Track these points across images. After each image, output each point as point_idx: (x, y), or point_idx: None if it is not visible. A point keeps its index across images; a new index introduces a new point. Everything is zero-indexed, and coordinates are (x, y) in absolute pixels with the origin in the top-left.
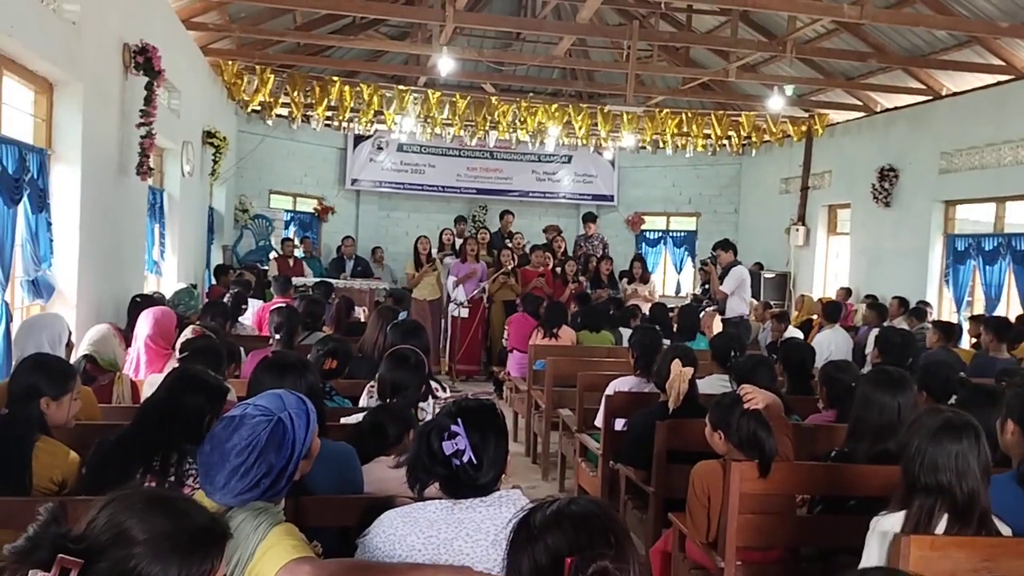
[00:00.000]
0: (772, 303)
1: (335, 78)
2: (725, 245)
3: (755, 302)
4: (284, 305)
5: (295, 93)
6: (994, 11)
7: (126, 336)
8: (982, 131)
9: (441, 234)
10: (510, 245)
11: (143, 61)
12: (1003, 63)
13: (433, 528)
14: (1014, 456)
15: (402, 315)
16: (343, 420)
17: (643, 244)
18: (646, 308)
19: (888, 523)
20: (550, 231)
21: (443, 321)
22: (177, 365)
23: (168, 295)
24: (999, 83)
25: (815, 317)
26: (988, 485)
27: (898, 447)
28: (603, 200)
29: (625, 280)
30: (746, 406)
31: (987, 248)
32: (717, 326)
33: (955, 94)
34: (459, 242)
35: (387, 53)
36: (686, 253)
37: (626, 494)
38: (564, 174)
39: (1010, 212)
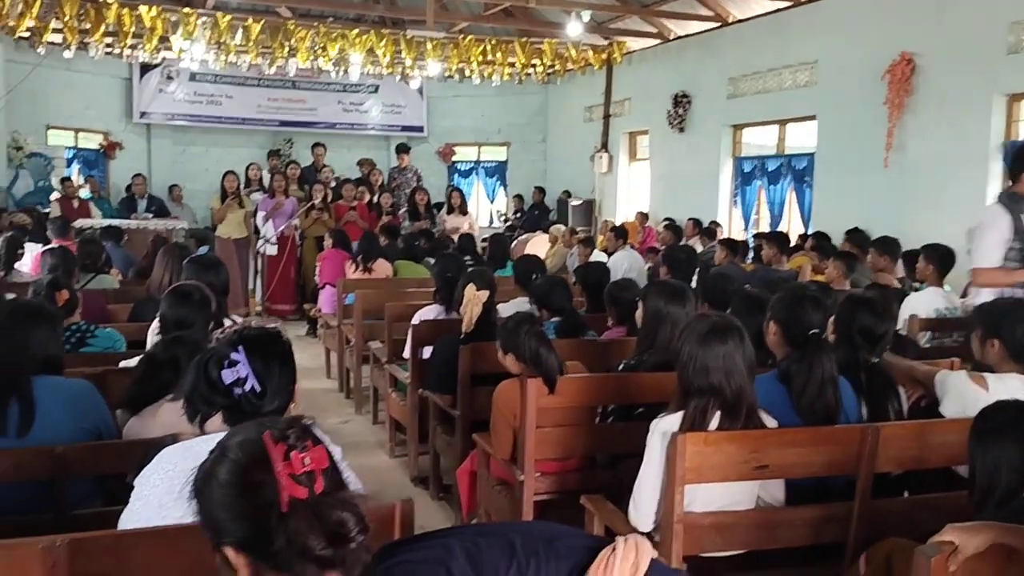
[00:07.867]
0: (579, 229)
1: (111, 1)
2: None
3: (563, 228)
4: (58, 246)
5: (67, 17)
6: None
7: None
8: (764, 57)
9: (247, 169)
10: (321, 179)
11: None
12: None
13: None
14: (778, 355)
15: (202, 250)
16: (122, 364)
17: (455, 175)
18: None
19: (666, 424)
20: (365, 164)
21: (253, 260)
22: None
23: None
24: (778, 10)
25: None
26: (753, 382)
27: (673, 354)
28: (413, 131)
29: (444, 211)
30: None
31: (770, 169)
32: (531, 251)
33: (740, 21)
34: (268, 177)
35: None
36: (498, 183)
37: (435, 420)
38: (372, 104)
39: (790, 134)
